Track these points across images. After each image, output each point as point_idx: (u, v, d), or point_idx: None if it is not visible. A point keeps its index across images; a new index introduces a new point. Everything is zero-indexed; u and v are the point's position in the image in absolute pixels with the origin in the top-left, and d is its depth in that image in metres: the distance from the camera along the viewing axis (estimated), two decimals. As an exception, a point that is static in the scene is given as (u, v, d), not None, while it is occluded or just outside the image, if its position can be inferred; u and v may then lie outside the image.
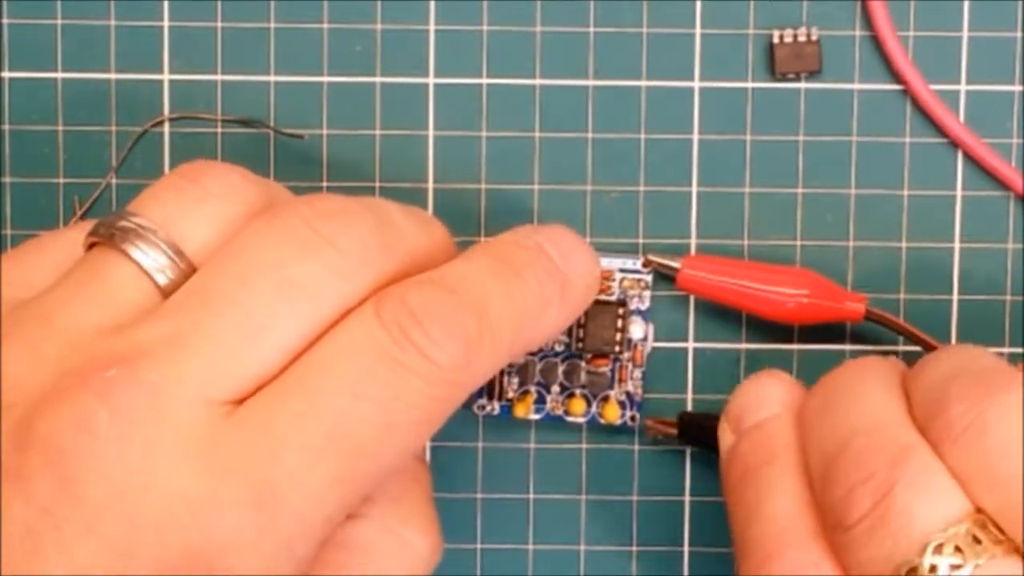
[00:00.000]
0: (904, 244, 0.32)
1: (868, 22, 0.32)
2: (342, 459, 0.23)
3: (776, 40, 0.32)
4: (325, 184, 0.32)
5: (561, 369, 0.32)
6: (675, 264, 0.31)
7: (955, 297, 0.32)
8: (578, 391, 0.32)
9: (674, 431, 0.31)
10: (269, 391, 0.23)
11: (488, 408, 0.32)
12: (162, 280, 0.24)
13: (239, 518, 0.22)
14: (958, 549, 0.23)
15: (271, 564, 0.22)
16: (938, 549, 0.23)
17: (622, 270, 0.32)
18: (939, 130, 0.32)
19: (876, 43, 0.32)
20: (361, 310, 0.24)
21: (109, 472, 0.22)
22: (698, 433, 0.31)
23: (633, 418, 0.32)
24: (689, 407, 0.32)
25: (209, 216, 0.25)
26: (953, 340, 0.32)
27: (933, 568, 0.23)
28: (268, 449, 0.22)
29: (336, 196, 0.25)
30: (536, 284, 0.26)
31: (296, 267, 0.24)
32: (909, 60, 0.32)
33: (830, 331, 0.32)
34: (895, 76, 0.32)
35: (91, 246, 0.25)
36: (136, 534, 0.22)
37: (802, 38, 0.32)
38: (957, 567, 0.23)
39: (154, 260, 0.24)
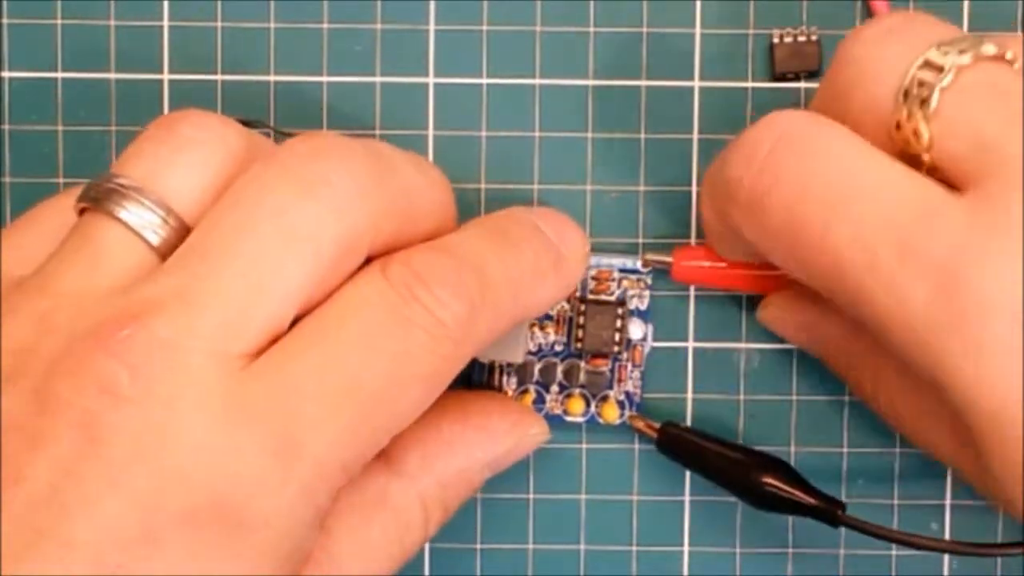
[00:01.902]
0: (904, 244, 0.32)
1: (868, 22, 0.32)
2: (358, 409, 0.23)
3: (776, 40, 0.32)
4: (325, 184, 0.32)
5: (560, 369, 0.32)
6: (668, 259, 0.31)
7: (955, 297, 0.32)
8: (577, 391, 0.32)
9: (654, 434, 0.31)
10: (284, 344, 0.23)
11: (488, 408, 0.32)
12: (154, 239, 0.24)
13: (262, 466, 0.22)
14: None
15: (293, 511, 0.23)
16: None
17: (622, 270, 0.32)
18: (939, 130, 0.32)
19: (876, 43, 0.32)
20: (369, 271, 0.24)
21: (133, 429, 0.22)
22: (675, 447, 0.31)
23: (632, 418, 0.32)
24: (688, 407, 0.32)
25: (191, 164, 0.25)
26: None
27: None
28: (288, 400, 0.23)
29: (330, 133, 0.25)
30: (532, 254, 0.27)
31: (295, 212, 0.24)
32: (909, 60, 0.32)
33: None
34: (895, 76, 0.32)
35: (82, 212, 0.25)
36: (162, 487, 0.22)
37: (802, 38, 0.32)
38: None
39: (142, 219, 0.24)
